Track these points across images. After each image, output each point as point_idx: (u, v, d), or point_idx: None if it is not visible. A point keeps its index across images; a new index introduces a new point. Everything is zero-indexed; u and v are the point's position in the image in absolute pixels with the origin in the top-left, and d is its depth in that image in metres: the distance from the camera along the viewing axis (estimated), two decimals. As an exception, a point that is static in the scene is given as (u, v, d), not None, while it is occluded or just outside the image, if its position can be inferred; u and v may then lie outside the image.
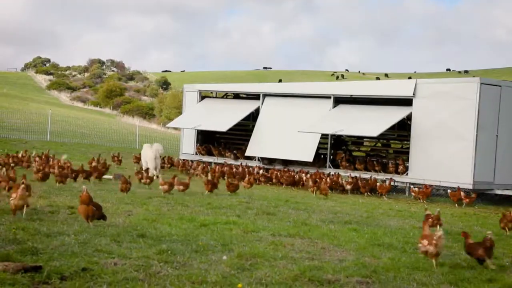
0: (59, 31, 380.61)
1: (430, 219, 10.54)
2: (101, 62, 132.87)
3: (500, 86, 19.12)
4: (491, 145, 18.89)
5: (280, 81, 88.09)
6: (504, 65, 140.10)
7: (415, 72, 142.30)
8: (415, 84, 20.07)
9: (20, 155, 20.11)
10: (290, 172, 20.91)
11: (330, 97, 22.44)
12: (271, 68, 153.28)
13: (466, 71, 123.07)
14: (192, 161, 24.35)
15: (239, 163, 23.35)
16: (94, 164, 18.73)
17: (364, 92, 22.41)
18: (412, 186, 19.21)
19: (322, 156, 23.82)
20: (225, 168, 21.70)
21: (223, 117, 24.41)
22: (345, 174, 20.82)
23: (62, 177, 15.14)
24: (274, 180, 20.56)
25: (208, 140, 26.53)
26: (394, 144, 25.86)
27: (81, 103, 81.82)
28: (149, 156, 20.80)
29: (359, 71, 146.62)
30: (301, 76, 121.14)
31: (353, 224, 11.71)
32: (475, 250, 8.35)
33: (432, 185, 18.78)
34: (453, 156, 18.81)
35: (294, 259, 8.05)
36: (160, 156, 21.47)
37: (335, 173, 20.65)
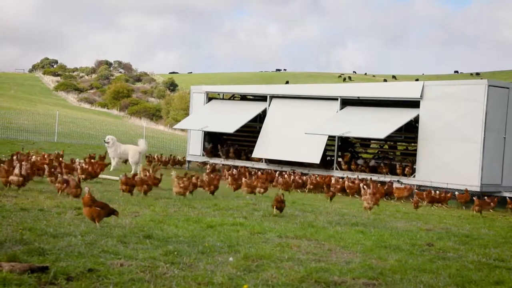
0: (67, 32, 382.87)
1: None
2: (108, 64, 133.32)
3: (508, 88, 19.06)
4: (498, 147, 18.83)
5: (287, 83, 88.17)
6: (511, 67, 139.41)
7: (423, 74, 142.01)
8: (423, 86, 20.03)
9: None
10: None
11: (337, 99, 22.42)
12: (286, 69, 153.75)
13: (477, 73, 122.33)
14: (221, 164, 24.47)
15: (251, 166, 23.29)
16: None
17: (371, 94, 22.38)
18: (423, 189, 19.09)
19: (328, 158, 23.81)
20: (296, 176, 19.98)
21: (230, 118, 24.42)
22: (353, 176, 20.76)
23: None
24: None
25: (215, 141, 26.55)
26: (401, 146, 25.82)
27: (89, 104, 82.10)
28: (134, 151, 22.08)
29: (365, 73, 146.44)
30: (307, 78, 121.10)
31: (360, 226, 11.69)
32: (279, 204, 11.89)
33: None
34: (461, 158, 18.76)
35: (301, 261, 8.03)
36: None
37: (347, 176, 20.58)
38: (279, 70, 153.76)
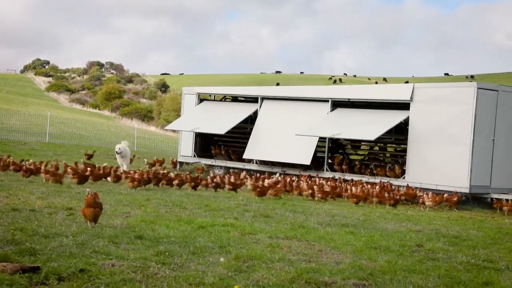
0: (59, 33, 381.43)
1: None
2: (100, 65, 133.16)
3: (497, 91, 19.22)
4: (487, 150, 18.96)
5: (277, 84, 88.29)
6: (502, 70, 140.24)
7: (413, 76, 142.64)
8: (413, 89, 20.15)
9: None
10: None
11: (328, 101, 22.49)
12: (302, 72, 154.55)
13: (472, 76, 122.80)
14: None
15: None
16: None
17: (362, 96, 22.46)
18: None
19: (320, 160, 23.87)
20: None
21: (221, 120, 24.44)
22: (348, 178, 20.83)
23: None
24: None
25: (206, 142, 26.57)
26: (391, 148, 25.93)
27: (80, 105, 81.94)
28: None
29: (354, 75, 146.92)
30: (299, 80, 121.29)
31: (350, 227, 11.75)
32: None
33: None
34: (450, 160, 18.87)
35: (291, 261, 8.08)
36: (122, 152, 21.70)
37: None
38: (279, 72, 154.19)
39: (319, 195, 16.92)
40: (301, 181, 18.83)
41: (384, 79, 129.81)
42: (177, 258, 7.70)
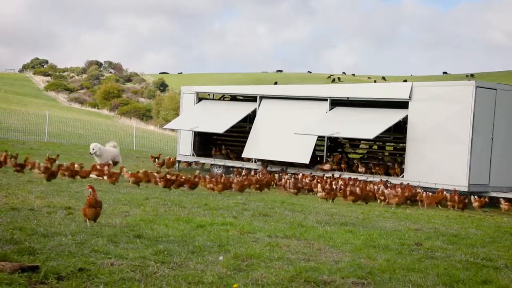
0: (57, 32, 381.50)
1: None
2: (98, 64, 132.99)
3: (495, 89, 19.23)
4: (486, 148, 18.98)
5: (275, 83, 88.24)
6: (500, 69, 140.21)
7: (411, 75, 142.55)
8: (411, 87, 20.15)
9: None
10: None
11: (326, 100, 22.50)
12: (282, 71, 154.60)
13: (472, 75, 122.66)
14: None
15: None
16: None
17: (361, 95, 22.48)
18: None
19: (318, 159, 23.89)
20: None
21: (220, 119, 24.45)
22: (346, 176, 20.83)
23: None
24: None
25: (205, 142, 26.57)
26: (389, 147, 25.95)
27: (79, 104, 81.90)
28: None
29: (353, 74, 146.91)
30: (297, 79, 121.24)
31: (349, 225, 11.75)
32: None
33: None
34: (449, 159, 18.89)
35: (290, 260, 8.09)
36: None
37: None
38: (280, 71, 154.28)
39: (396, 199, 16.61)
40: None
41: (383, 78, 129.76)
42: (176, 257, 7.70)
